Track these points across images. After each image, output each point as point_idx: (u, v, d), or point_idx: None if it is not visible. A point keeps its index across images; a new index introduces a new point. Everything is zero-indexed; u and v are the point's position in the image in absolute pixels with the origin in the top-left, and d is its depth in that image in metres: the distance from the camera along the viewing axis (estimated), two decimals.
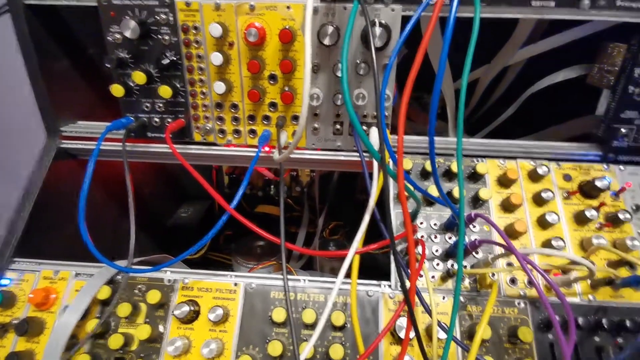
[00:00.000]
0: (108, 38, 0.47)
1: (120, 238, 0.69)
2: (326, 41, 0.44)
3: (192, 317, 0.42)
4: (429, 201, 0.48)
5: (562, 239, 0.45)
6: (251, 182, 0.96)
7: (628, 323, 0.41)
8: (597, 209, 0.46)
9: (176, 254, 0.43)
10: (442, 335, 0.39)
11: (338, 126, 0.50)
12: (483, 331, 0.36)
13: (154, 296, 0.42)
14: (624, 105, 0.47)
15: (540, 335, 0.41)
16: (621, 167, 0.49)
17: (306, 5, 0.36)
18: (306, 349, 0.36)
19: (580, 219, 0.46)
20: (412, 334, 0.38)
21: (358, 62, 0.45)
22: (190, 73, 0.48)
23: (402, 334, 0.39)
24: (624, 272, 0.43)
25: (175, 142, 0.49)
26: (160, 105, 0.50)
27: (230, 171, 0.93)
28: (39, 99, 0.51)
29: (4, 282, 0.45)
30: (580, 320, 0.41)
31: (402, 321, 0.40)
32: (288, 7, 0.44)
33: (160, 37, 0.46)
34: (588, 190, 0.47)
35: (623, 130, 0.48)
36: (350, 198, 0.93)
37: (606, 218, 0.46)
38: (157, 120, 0.51)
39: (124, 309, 0.41)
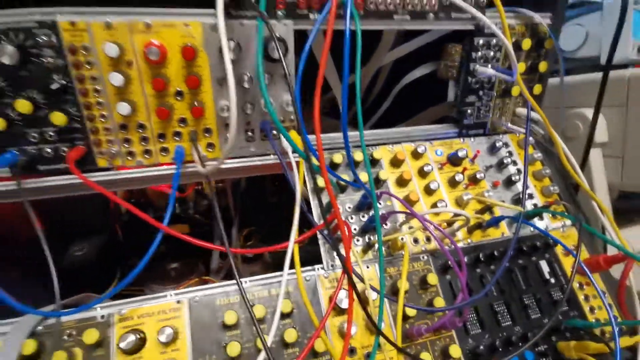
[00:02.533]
0: None
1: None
2: (230, 56, 0.46)
3: (139, 346, 0.41)
4: (341, 188, 0.55)
5: (443, 201, 0.57)
6: (153, 204, 0.91)
7: (495, 253, 0.55)
8: (462, 173, 0.59)
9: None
10: (374, 295, 0.46)
11: (250, 133, 0.53)
12: (404, 284, 0.45)
13: (90, 336, 0.39)
14: (466, 92, 0.62)
15: (442, 278, 0.52)
16: (472, 139, 0.65)
17: (219, 24, 0.39)
18: (270, 336, 0.39)
19: (452, 183, 0.59)
20: (346, 303, 0.45)
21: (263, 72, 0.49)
22: (85, 96, 0.45)
23: (342, 305, 0.45)
24: (487, 217, 0.57)
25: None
26: (52, 134, 0.46)
27: (127, 196, 0.86)
28: None
29: None
30: (466, 258, 0.53)
31: (341, 294, 0.47)
32: (186, 25, 0.45)
33: (43, 60, 0.42)
34: (453, 160, 0.61)
35: (469, 111, 0.63)
36: (260, 202, 0.96)
37: (469, 179, 0.60)
38: (48, 150, 0.47)
39: (59, 358, 0.38)
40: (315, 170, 0.41)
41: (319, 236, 0.51)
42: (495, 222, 0.56)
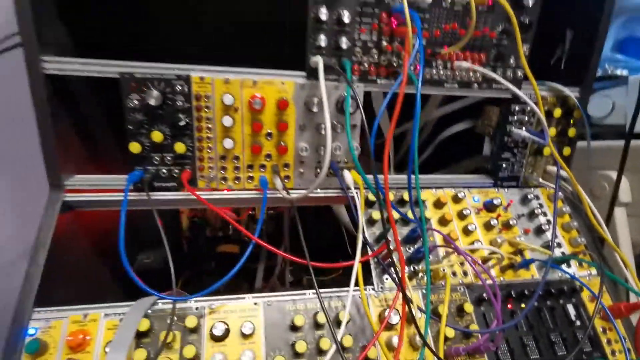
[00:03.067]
0: (128, 104, 0.54)
1: (108, 282, 0.71)
2: (314, 108, 0.59)
3: (225, 336, 0.50)
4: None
5: (479, 241, 0.65)
6: (211, 223, 1.03)
7: (526, 292, 0.62)
8: (496, 219, 0.68)
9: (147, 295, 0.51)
10: (419, 315, 0.54)
11: (318, 170, 0.64)
12: (446, 306, 0.53)
13: (191, 321, 0.49)
14: (502, 149, 0.72)
15: (476, 309, 0.59)
16: (505, 190, 0.73)
17: (320, 84, 0.51)
18: (339, 336, 0.47)
19: (488, 227, 0.67)
20: (395, 319, 0.53)
21: (335, 123, 0.61)
22: (200, 132, 0.58)
23: (392, 321, 0.53)
24: (518, 259, 0.65)
25: (179, 189, 0.58)
26: (170, 158, 0.58)
27: (192, 215, 0.98)
28: (46, 156, 0.55)
29: (30, 332, 0.47)
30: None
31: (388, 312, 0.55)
32: (282, 83, 0.58)
33: (176, 103, 0.56)
34: (489, 207, 0.69)
35: (504, 165, 0.72)
36: (304, 231, 1.06)
37: (502, 224, 0.68)
38: (165, 171, 0.59)
39: (164, 337, 0.48)
40: (380, 204, 0.51)
41: (372, 261, 0.60)
42: (526, 264, 0.63)
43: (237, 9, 0.68)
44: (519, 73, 0.66)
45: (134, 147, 0.56)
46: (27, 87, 0.52)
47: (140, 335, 0.48)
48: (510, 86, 0.61)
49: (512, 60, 0.65)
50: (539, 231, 0.69)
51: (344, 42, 0.57)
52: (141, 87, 0.54)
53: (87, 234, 0.65)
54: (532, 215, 0.71)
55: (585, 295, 0.65)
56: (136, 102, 0.55)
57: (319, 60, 0.54)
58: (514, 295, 0.61)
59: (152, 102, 0.54)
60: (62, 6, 0.55)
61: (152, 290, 0.48)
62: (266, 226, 1.05)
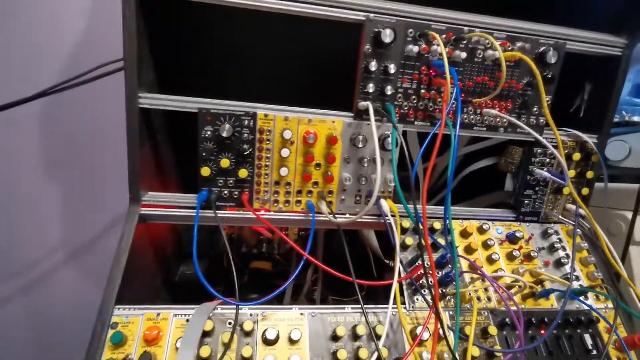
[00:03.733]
0: (202, 134, 0.64)
1: (162, 287, 0.80)
2: (359, 144, 0.67)
3: (275, 340, 0.57)
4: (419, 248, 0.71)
5: (502, 270, 0.71)
6: (246, 240, 1.11)
7: (545, 319, 0.67)
8: (518, 250, 0.74)
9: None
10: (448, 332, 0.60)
11: (358, 198, 0.72)
12: (473, 327, 0.59)
13: (248, 325, 0.57)
14: (524, 186, 0.79)
15: (499, 332, 0.65)
16: (527, 224, 0.80)
17: (372, 126, 0.60)
18: (380, 345, 0.54)
19: (510, 257, 0.74)
20: (426, 336, 0.59)
21: (375, 157, 0.69)
22: (259, 160, 0.67)
23: (423, 337, 0.59)
24: (538, 288, 0.70)
25: (235, 208, 0.67)
26: (232, 182, 0.67)
27: (231, 232, 1.07)
28: (130, 175, 0.65)
29: (113, 325, 0.55)
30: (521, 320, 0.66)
31: (419, 329, 0.61)
32: (333, 122, 0.68)
33: (242, 135, 0.65)
34: (511, 239, 0.76)
35: (526, 201, 0.79)
36: (331, 252, 1.13)
37: (524, 256, 0.74)
38: (226, 193, 0.68)
39: (225, 338, 0.55)
40: (419, 232, 0.59)
41: (404, 282, 0.67)
42: (546, 293, 0.69)
43: (299, 59, 0.79)
44: (542, 120, 0.74)
45: (205, 171, 0.65)
46: (113, 110, 0.63)
47: (204, 335, 0.56)
48: (533, 133, 0.69)
49: (535, 109, 0.73)
50: (559, 264, 0.75)
51: (389, 89, 0.66)
52: (215, 120, 0.64)
53: (149, 244, 0.74)
54: (552, 248, 0.77)
55: (601, 326, 0.69)
56: (209, 133, 0.64)
57: (369, 105, 0.63)
58: (534, 322, 0.67)
59: (224, 133, 0.63)
60: (154, 50, 0.66)
61: (220, 296, 0.56)
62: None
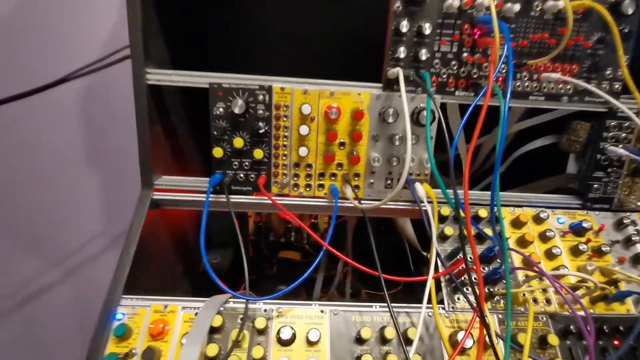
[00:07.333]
0: (214, 112, 0.58)
1: (184, 277, 0.76)
2: (389, 119, 0.59)
3: (291, 340, 0.51)
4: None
5: (565, 267, 0.59)
6: (274, 229, 1.05)
7: (621, 328, 0.55)
8: (585, 244, 0.62)
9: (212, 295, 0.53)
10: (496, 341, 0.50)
11: (389, 181, 0.64)
12: (529, 335, 0.48)
13: (260, 322, 0.50)
14: (594, 167, 0.65)
15: (561, 342, 0.54)
16: (596, 212, 0.67)
17: (402, 97, 0.51)
18: (411, 354, 0.46)
19: (575, 252, 0.61)
20: (469, 343, 0.50)
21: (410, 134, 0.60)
22: (277, 139, 0.61)
23: (465, 345, 0.50)
24: (612, 290, 0.58)
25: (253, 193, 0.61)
26: (247, 164, 0.61)
27: (258, 220, 1.02)
28: (141, 158, 0.60)
29: (118, 316, 0.51)
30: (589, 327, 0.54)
31: (461, 334, 0.51)
32: (359, 94, 0.59)
33: (257, 112, 0.59)
34: (577, 230, 0.63)
35: (595, 186, 0.66)
36: (363, 243, 1.04)
37: (592, 250, 0.62)
38: (242, 176, 0.62)
39: (235, 335, 0.49)
40: (461, 222, 0.49)
41: (442, 278, 0.58)
42: (621, 296, 0.56)
43: (318, 24, 0.71)
44: (616, 86, 0.60)
45: (217, 152, 0.59)
46: (125, 97, 0.59)
47: (212, 331, 0.51)
48: (609, 98, 0.56)
49: (608, 71, 0.59)
50: (637, 261, 0.62)
51: (424, 54, 0.56)
52: (227, 96, 0.58)
53: (168, 231, 0.70)
54: (628, 242, 0.63)
55: None
56: (221, 110, 0.58)
57: (399, 72, 0.54)
58: (606, 331, 0.55)
59: (236, 110, 0.57)
60: (164, 24, 0.61)
61: (227, 289, 0.50)
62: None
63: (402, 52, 0.56)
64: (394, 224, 0.83)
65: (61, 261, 1.26)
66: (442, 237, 0.61)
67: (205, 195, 0.60)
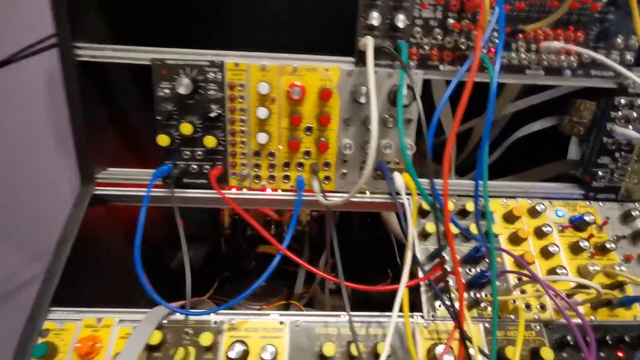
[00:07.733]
0: (158, 93, 0.50)
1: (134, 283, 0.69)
2: (361, 99, 0.50)
3: (243, 358, 0.44)
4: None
5: (563, 267, 0.52)
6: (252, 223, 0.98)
7: (627, 338, 0.48)
8: (587, 240, 0.54)
9: (184, 296, 0.45)
10: (480, 358, 0.43)
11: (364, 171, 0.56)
12: (518, 351, 0.41)
13: (206, 338, 0.43)
14: (599, 152, 0.57)
15: (557, 355, 0.47)
16: (600, 203, 0.59)
17: (368, 69, 0.43)
18: None
19: (575, 249, 0.54)
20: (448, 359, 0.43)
21: (386, 116, 0.52)
22: (232, 124, 0.52)
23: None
24: (617, 294, 0.51)
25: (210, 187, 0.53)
26: (200, 153, 0.53)
27: (232, 213, 0.95)
28: (78, 148, 0.53)
29: (43, 333, 0.44)
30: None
31: (441, 348, 0.44)
32: (326, 70, 0.51)
33: (208, 92, 0.51)
34: (578, 224, 0.56)
35: (600, 173, 0.58)
36: (347, 236, 0.97)
37: (595, 247, 0.54)
38: (195, 167, 0.54)
39: (179, 355, 0.42)
40: (438, 217, 0.41)
41: (422, 283, 0.50)
42: (629, 302, 0.49)
43: None
44: (628, 56, 0.52)
45: (163, 140, 0.51)
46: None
47: (151, 349, 0.44)
48: (621, 69, 0.47)
49: (619, 40, 0.50)
50: None
51: (401, 21, 0.47)
52: (172, 74, 0.50)
53: (119, 230, 0.63)
54: (636, 237, 0.56)
55: None
56: (167, 90, 0.50)
57: (368, 42, 0.45)
58: (609, 342, 0.48)
59: (181, 90, 0.49)
60: None
61: (162, 301, 0.43)
62: (310, 228, 0.98)
63: (375, 18, 0.47)
64: (379, 217, 0.76)
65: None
66: (423, 235, 0.53)
67: (156, 188, 0.52)
